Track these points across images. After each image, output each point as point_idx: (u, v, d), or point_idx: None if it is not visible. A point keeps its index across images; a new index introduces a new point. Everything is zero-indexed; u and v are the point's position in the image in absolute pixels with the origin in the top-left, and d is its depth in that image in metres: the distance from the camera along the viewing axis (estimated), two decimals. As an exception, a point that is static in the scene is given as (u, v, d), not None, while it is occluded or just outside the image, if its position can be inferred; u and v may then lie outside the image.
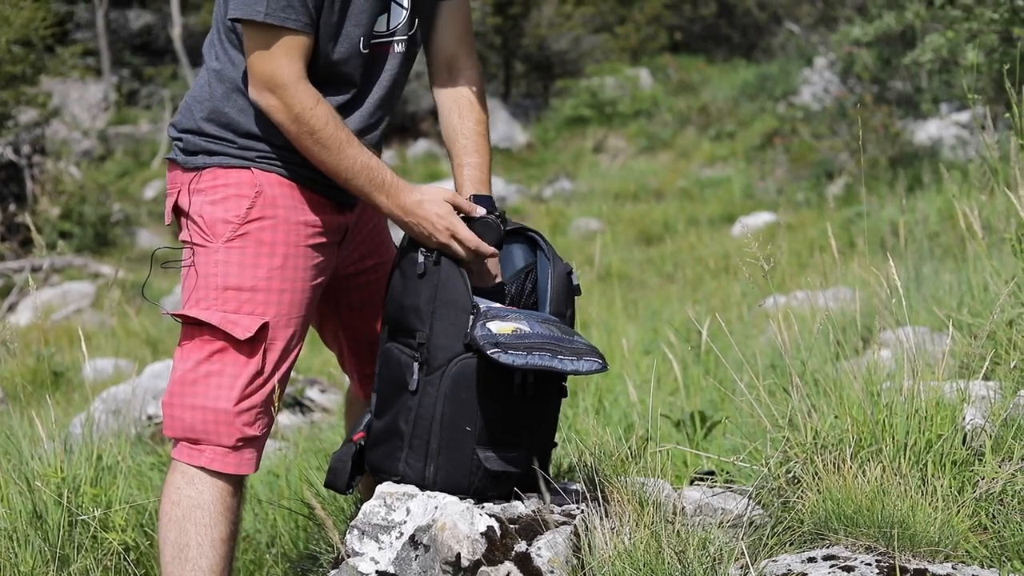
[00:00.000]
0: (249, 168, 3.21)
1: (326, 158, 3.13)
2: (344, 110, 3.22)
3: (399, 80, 3.33)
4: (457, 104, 3.43)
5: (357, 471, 3.33)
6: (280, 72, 3.08)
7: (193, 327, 3.20)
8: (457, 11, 3.42)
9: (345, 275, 3.48)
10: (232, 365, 3.17)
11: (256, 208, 3.19)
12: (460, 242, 3.18)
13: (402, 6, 3.26)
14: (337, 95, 3.21)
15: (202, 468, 3.19)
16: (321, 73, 3.18)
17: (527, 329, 3.02)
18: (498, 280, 3.33)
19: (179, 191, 3.27)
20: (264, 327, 3.17)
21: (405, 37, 3.29)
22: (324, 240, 3.29)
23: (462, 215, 3.23)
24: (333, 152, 3.13)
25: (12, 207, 17.96)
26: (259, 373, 3.19)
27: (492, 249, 3.23)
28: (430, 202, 3.20)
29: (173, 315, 3.22)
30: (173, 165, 3.32)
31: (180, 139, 3.28)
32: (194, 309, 3.18)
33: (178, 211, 3.29)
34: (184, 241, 3.28)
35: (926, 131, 15.73)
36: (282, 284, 3.20)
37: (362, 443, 3.32)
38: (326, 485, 3.41)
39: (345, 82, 3.23)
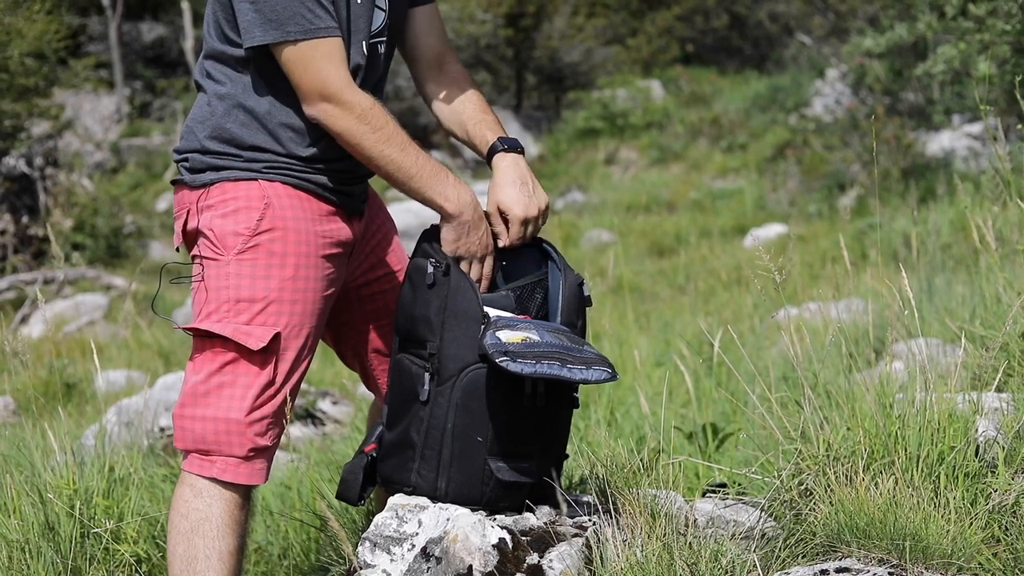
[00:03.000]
0: (256, 180, 3.22)
1: (393, 153, 3.15)
2: None
3: (377, 79, 3.36)
4: (454, 91, 3.49)
5: (369, 482, 3.34)
6: (331, 79, 3.11)
7: (205, 340, 3.21)
8: (436, 13, 3.51)
9: (356, 286, 3.50)
10: (244, 376, 3.18)
11: (266, 220, 3.20)
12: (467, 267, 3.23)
13: (382, 9, 3.30)
14: None
15: (213, 479, 3.20)
16: None
17: (536, 338, 3.02)
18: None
19: (187, 211, 3.29)
20: (276, 337, 3.19)
21: (385, 39, 3.34)
22: (334, 251, 3.30)
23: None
24: (397, 146, 3.16)
25: (25, 219, 17.99)
26: (271, 383, 3.20)
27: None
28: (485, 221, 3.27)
29: (186, 329, 3.23)
30: (180, 187, 3.33)
31: (186, 159, 3.30)
32: (206, 322, 3.19)
33: (187, 231, 3.31)
34: (194, 256, 3.29)
35: (938, 142, 15.71)
36: (293, 295, 3.21)
37: (374, 454, 3.32)
38: (338, 496, 3.41)
39: None
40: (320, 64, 3.11)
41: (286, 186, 3.24)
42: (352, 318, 3.56)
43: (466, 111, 3.46)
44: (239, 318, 3.18)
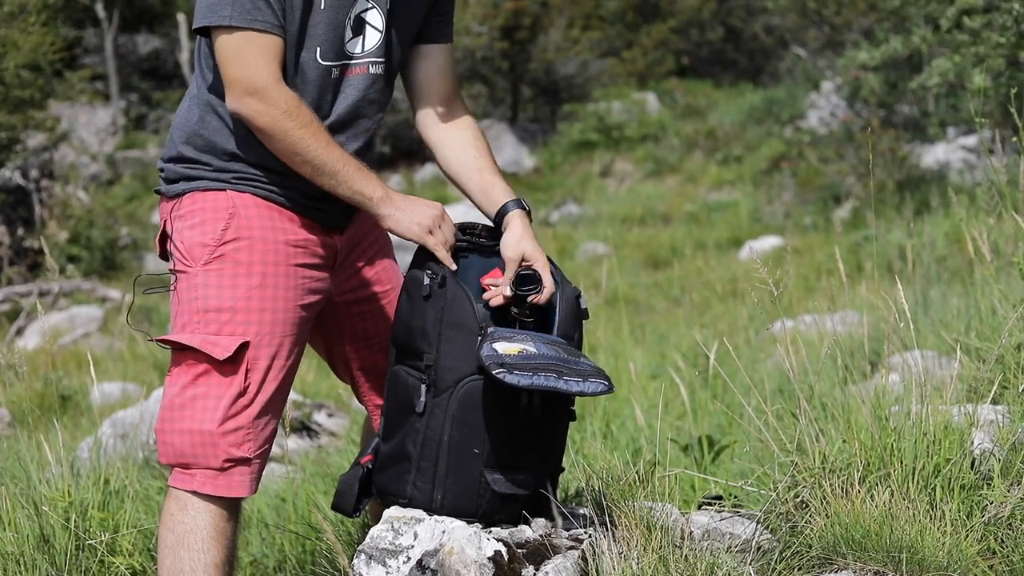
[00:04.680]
0: (225, 190, 3.23)
1: (318, 149, 3.13)
2: None
3: (367, 102, 3.32)
4: (459, 136, 3.45)
5: (364, 494, 3.34)
6: (258, 75, 3.09)
7: (179, 352, 3.21)
8: (450, 54, 3.47)
9: (344, 302, 3.48)
10: (216, 387, 3.17)
11: (231, 229, 3.20)
12: (438, 239, 3.23)
13: (377, 29, 3.27)
14: None
15: (195, 493, 3.19)
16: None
17: (533, 350, 3.02)
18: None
19: (165, 220, 3.30)
20: (244, 347, 3.17)
21: (381, 60, 3.31)
22: (308, 260, 3.29)
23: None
24: (323, 143, 3.14)
25: (20, 231, 17.97)
26: (242, 393, 3.18)
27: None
28: (421, 199, 3.27)
29: (159, 341, 3.23)
30: (162, 197, 3.35)
31: (163, 170, 3.32)
32: (178, 334, 3.20)
33: (165, 242, 3.32)
34: (170, 270, 3.30)
35: (933, 155, 15.74)
36: (262, 303, 3.20)
37: (370, 466, 3.32)
38: (333, 508, 3.41)
39: (304, 96, 3.22)
40: (250, 57, 3.08)
41: (255, 197, 3.24)
42: (342, 333, 3.55)
43: (475, 161, 3.42)
44: (207, 328, 3.17)
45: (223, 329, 3.18)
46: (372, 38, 3.28)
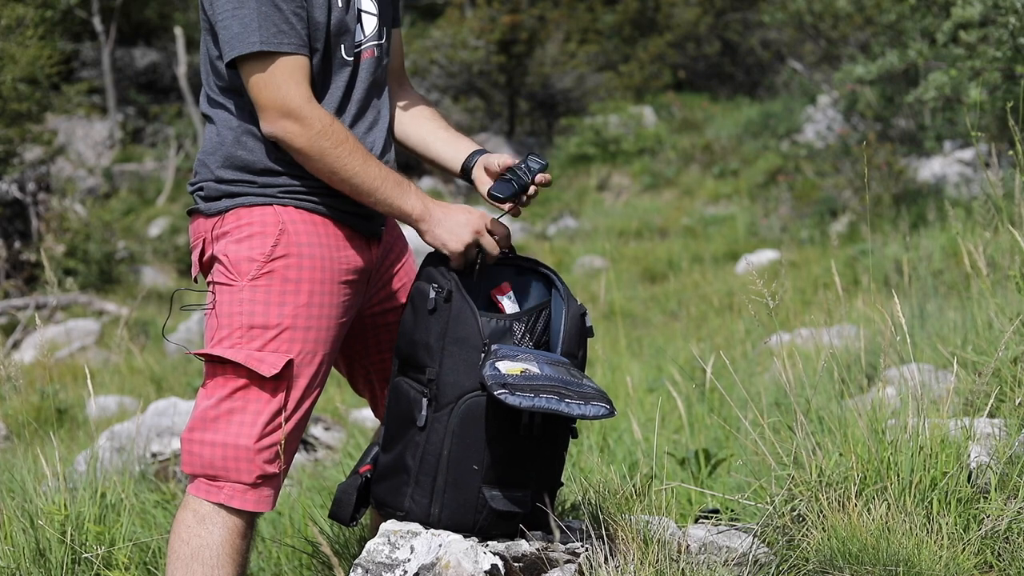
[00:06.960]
0: (271, 205, 3.22)
1: (356, 167, 3.15)
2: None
3: (374, 84, 3.35)
4: (416, 106, 3.57)
5: (362, 503, 3.34)
6: (290, 96, 3.11)
7: (216, 365, 3.20)
8: (400, 35, 3.56)
9: (371, 314, 3.49)
10: (255, 402, 3.17)
11: (280, 245, 3.19)
12: (490, 232, 3.27)
13: (372, 14, 3.33)
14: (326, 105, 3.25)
15: (220, 505, 3.18)
16: (316, 89, 3.22)
17: (536, 371, 3.01)
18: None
19: (203, 239, 3.29)
20: (289, 364, 3.18)
21: (381, 43, 3.36)
22: (350, 277, 3.29)
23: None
24: (360, 159, 3.16)
25: (17, 244, 17.97)
26: (281, 410, 3.19)
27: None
28: (459, 206, 3.28)
29: (197, 354, 3.22)
30: (196, 216, 3.33)
31: (201, 188, 3.29)
32: (219, 348, 3.18)
33: (204, 261, 3.30)
34: (208, 282, 3.28)
35: (930, 168, 15.76)
36: (307, 322, 3.20)
37: (368, 475, 3.32)
38: (330, 516, 3.40)
39: (334, 93, 3.26)
40: (280, 80, 3.11)
41: (300, 211, 3.23)
42: (367, 346, 3.55)
43: (439, 121, 3.55)
44: (252, 344, 3.17)
45: (268, 346, 3.17)
46: (370, 23, 3.32)
